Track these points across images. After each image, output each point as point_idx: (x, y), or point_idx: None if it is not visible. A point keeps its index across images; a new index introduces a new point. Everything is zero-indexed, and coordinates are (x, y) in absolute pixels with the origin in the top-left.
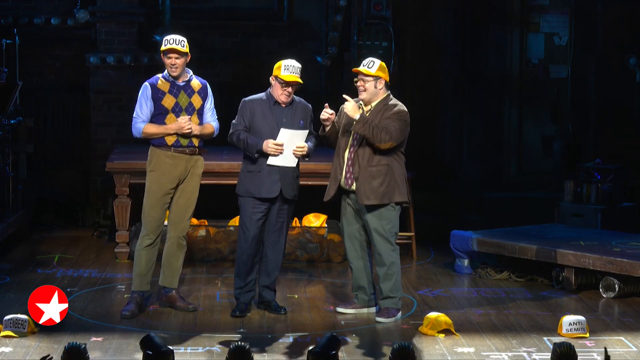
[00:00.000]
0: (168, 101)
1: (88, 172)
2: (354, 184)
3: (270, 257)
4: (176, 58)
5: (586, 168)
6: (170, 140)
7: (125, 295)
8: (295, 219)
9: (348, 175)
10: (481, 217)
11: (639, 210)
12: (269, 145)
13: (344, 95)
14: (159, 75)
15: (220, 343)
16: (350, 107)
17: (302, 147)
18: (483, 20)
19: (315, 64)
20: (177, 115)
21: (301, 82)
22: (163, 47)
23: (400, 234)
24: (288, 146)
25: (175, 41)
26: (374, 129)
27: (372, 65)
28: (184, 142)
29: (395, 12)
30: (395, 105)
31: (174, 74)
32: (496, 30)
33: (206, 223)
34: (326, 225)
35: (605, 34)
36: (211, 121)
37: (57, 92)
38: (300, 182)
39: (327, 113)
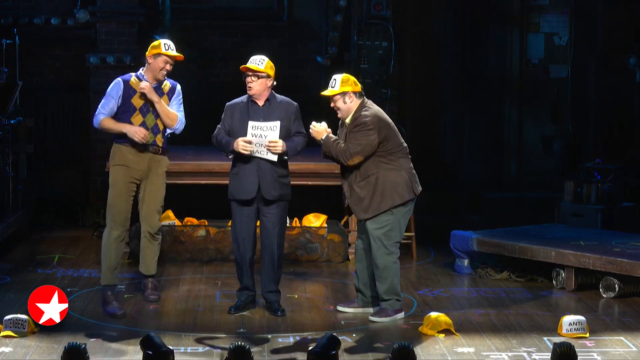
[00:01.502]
0: (137, 100)
1: (88, 172)
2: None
3: (265, 259)
4: (171, 65)
5: (586, 168)
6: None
7: (113, 292)
8: (295, 219)
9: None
10: (481, 217)
11: (639, 210)
12: (239, 143)
13: (312, 124)
14: (133, 73)
15: (220, 343)
16: (315, 130)
17: (275, 143)
18: (483, 20)
19: (315, 64)
20: (144, 115)
21: (258, 69)
22: (165, 51)
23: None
24: (261, 141)
25: (174, 48)
26: (334, 151)
27: (334, 84)
28: (149, 139)
29: (395, 12)
30: (359, 116)
31: (161, 79)
32: (496, 30)
33: (206, 223)
34: (326, 225)
35: (605, 34)
36: (176, 112)
37: (57, 92)
38: (300, 182)
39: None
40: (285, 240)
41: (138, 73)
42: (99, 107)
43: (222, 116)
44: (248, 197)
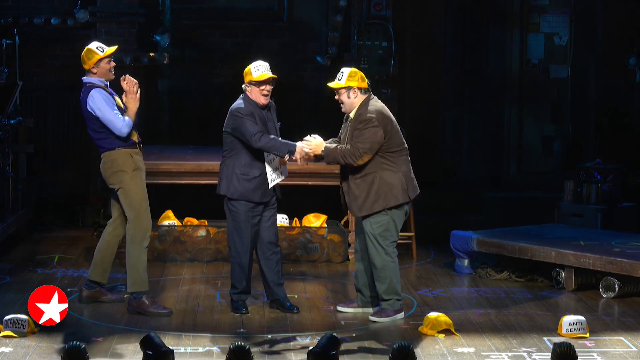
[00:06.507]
0: (118, 100)
1: (88, 172)
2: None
3: (276, 254)
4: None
5: (586, 168)
6: (135, 137)
7: (126, 295)
8: (295, 219)
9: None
10: (481, 217)
11: (639, 210)
12: (304, 150)
13: (305, 139)
14: (88, 80)
15: (220, 343)
16: (312, 147)
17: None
18: (483, 20)
19: (315, 64)
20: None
21: (275, 76)
22: (102, 54)
23: (400, 233)
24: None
25: (104, 47)
26: (341, 156)
27: (341, 77)
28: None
29: (395, 12)
30: (363, 113)
31: (112, 78)
32: (496, 30)
33: (206, 223)
34: (326, 225)
35: (605, 34)
36: None
37: (57, 92)
38: (300, 182)
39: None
40: (285, 240)
41: (98, 79)
42: (119, 117)
43: (248, 117)
44: (267, 198)
